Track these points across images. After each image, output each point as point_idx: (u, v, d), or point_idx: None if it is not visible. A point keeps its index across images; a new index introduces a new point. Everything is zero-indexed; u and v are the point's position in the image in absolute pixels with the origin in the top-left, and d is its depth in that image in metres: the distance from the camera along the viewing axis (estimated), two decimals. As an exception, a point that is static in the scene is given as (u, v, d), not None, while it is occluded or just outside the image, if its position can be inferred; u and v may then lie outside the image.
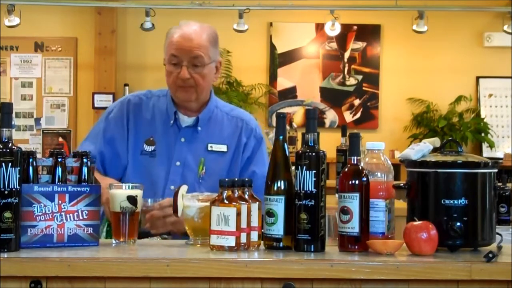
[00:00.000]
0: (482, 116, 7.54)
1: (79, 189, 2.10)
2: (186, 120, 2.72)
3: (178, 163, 2.66)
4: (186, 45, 2.60)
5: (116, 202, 2.21)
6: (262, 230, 2.09)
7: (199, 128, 2.71)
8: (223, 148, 2.71)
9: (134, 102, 2.74)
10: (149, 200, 2.43)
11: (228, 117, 2.77)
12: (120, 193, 2.22)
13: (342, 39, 7.56)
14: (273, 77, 7.65)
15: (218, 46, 2.71)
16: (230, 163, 2.71)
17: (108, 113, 2.76)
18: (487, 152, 7.37)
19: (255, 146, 2.76)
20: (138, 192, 2.23)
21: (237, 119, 2.77)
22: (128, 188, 2.25)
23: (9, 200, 1.95)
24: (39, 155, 2.16)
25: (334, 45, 7.62)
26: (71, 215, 2.08)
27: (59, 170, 2.12)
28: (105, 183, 2.36)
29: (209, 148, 2.70)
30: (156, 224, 2.43)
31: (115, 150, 2.69)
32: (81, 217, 2.09)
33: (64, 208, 2.07)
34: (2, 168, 1.94)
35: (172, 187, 2.62)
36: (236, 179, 2.07)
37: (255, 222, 2.06)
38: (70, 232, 2.08)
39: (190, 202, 2.19)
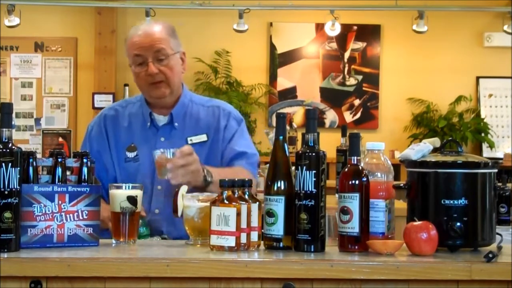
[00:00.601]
0: (482, 116, 7.54)
1: (79, 189, 2.10)
2: (161, 119, 2.75)
3: None
4: (147, 42, 2.65)
5: (116, 202, 2.21)
6: (262, 230, 2.09)
7: (176, 124, 2.73)
8: (203, 137, 2.72)
9: (110, 115, 2.80)
10: (165, 150, 2.43)
11: (203, 108, 2.79)
12: (120, 193, 2.22)
13: (342, 39, 7.55)
14: (273, 77, 7.65)
15: (178, 38, 2.75)
16: (210, 147, 2.70)
17: (89, 133, 2.82)
18: (487, 152, 7.37)
19: (236, 126, 2.77)
20: (138, 192, 2.23)
21: (213, 107, 2.79)
22: (128, 188, 2.25)
23: (9, 200, 1.95)
24: (39, 155, 2.16)
25: (334, 45, 7.62)
26: (71, 215, 2.08)
27: (59, 170, 2.12)
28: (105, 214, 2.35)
29: (189, 142, 2.71)
30: (177, 173, 2.40)
31: (102, 164, 2.72)
32: (81, 217, 2.09)
33: (64, 208, 2.07)
34: (2, 168, 1.94)
35: (159, 187, 2.65)
36: (236, 179, 2.07)
37: (255, 222, 2.06)
38: (70, 232, 2.08)
39: (190, 202, 2.19)
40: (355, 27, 7.61)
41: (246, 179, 2.10)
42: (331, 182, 3.66)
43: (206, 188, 2.45)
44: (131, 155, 2.72)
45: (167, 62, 2.66)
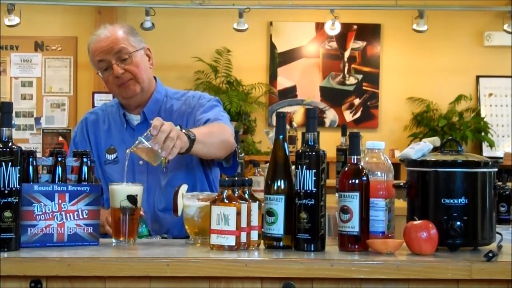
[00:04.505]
0: (482, 115, 7.54)
1: (79, 188, 2.10)
2: (135, 119, 2.75)
3: (141, 162, 2.63)
4: (105, 45, 2.68)
5: (116, 200, 2.20)
6: (262, 230, 2.09)
7: (151, 122, 2.70)
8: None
9: (91, 119, 2.82)
10: (137, 142, 2.29)
11: (177, 101, 2.76)
12: (120, 192, 2.21)
13: (342, 39, 7.56)
14: (273, 77, 7.65)
15: (138, 35, 2.74)
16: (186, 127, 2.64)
17: (74, 138, 2.83)
18: (487, 152, 7.37)
19: (206, 102, 2.70)
20: (138, 191, 2.23)
21: (186, 98, 2.76)
22: (128, 186, 2.24)
23: (9, 199, 1.95)
24: (39, 155, 2.16)
25: (334, 44, 7.62)
26: (71, 214, 2.08)
27: (59, 170, 2.12)
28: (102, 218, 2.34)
29: None
30: (167, 146, 2.25)
31: None
32: (81, 217, 2.09)
33: (64, 207, 2.07)
34: (2, 168, 1.94)
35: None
36: (236, 178, 2.07)
37: (255, 222, 2.06)
38: (70, 232, 2.08)
39: (190, 202, 2.20)
40: (355, 27, 7.61)
41: (246, 178, 2.10)
42: (331, 182, 3.66)
43: (193, 149, 2.35)
44: (110, 157, 2.72)
45: (130, 60, 2.66)
